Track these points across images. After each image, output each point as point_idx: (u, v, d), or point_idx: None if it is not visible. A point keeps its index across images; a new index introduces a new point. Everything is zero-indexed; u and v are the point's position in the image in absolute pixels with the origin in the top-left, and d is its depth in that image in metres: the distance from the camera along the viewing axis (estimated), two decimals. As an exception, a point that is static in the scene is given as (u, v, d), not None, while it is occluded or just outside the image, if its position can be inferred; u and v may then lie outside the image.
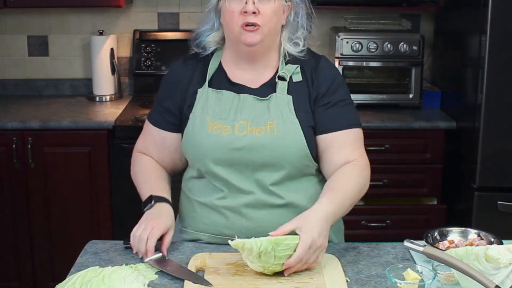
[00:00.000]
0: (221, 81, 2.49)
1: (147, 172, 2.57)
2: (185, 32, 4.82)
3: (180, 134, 2.51)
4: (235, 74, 2.49)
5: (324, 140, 2.44)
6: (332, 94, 2.46)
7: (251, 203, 2.41)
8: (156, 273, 2.19)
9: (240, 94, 2.45)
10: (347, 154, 2.43)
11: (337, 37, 4.39)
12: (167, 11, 4.88)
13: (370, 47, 4.39)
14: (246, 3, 2.33)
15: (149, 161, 2.59)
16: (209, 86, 2.48)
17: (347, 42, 4.39)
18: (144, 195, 2.48)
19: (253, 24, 2.35)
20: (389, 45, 4.39)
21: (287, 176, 2.41)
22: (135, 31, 4.84)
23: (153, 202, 2.40)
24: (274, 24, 2.41)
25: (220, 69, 2.51)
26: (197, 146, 2.42)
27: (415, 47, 4.41)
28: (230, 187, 2.42)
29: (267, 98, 2.43)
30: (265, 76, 2.48)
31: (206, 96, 2.46)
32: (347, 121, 2.46)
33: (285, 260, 2.10)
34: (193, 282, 2.09)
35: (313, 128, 2.43)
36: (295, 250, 2.11)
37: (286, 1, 2.42)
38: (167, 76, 2.62)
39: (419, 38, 4.42)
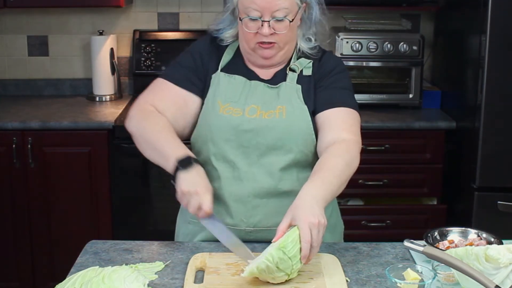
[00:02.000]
0: (237, 66, 2.52)
1: (169, 131, 2.42)
2: (185, 32, 4.83)
3: (200, 101, 2.50)
4: (250, 62, 2.53)
5: (318, 118, 2.46)
6: (330, 78, 2.51)
7: (252, 190, 2.43)
8: (156, 273, 2.19)
9: (252, 81, 2.49)
10: (337, 132, 2.40)
11: (337, 37, 4.39)
12: (167, 11, 4.89)
13: (370, 47, 4.40)
14: (262, 25, 2.36)
15: (166, 121, 2.46)
16: (224, 69, 2.51)
17: (347, 42, 4.39)
18: (168, 154, 2.33)
19: (269, 42, 2.40)
20: (389, 45, 4.39)
21: (293, 162, 2.44)
22: (135, 31, 4.85)
23: (193, 162, 2.30)
24: (290, 38, 2.45)
25: (238, 55, 2.54)
26: (208, 126, 2.44)
27: (415, 47, 4.41)
28: (235, 171, 2.43)
29: (277, 86, 2.48)
30: (277, 68, 2.53)
31: (218, 80, 2.49)
32: (341, 101, 2.47)
33: (299, 255, 2.08)
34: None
35: (313, 113, 2.47)
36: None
37: (301, 6, 2.44)
38: (196, 46, 2.60)
39: (419, 38, 4.42)
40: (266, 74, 2.52)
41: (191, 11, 4.85)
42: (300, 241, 2.07)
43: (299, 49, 2.54)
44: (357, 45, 4.39)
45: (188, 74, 2.52)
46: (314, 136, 2.45)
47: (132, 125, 2.49)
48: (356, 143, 2.41)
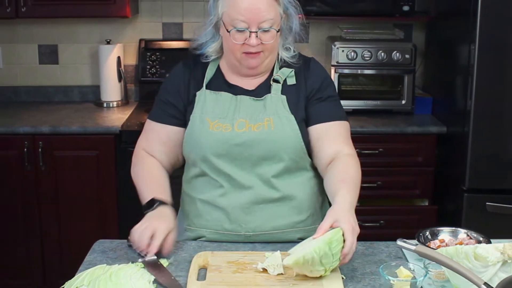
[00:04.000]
0: (219, 83, 2.51)
1: (149, 175, 2.52)
2: (188, 41, 4.82)
3: (182, 129, 2.51)
4: (232, 78, 2.52)
5: (317, 130, 2.47)
6: (324, 90, 2.52)
7: (251, 198, 2.43)
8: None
9: (237, 96, 2.48)
10: (338, 145, 2.46)
11: (333, 46, 4.39)
12: (171, 21, 4.89)
13: (365, 55, 4.40)
14: (249, 36, 2.36)
15: (152, 163, 2.55)
16: (207, 88, 2.50)
17: (343, 51, 4.39)
18: (145, 197, 2.44)
19: (255, 52, 2.40)
20: (382, 54, 4.40)
21: (285, 169, 2.44)
22: (140, 40, 4.85)
23: (156, 204, 2.37)
24: (274, 47, 2.46)
25: (218, 72, 2.54)
26: (200, 144, 2.43)
27: (407, 56, 4.41)
28: (232, 182, 2.43)
29: (262, 98, 2.47)
30: (260, 79, 2.52)
31: (204, 97, 2.48)
32: (338, 114, 2.51)
33: (339, 254, 2.09)
34: None
35: (305, 121, 2.47)
36: (343, 241, 2.10)
37: (283, 13, 2.44)
38: (170, 77, 2.61)
39: (411, 47, 4.42)
40: (249, 85, 2.51)
41: (194, 21, 4.85)
42: (342, 242, 2.09)
43: (280, 59, 2.54)
44: (352, 53, 4.39)
45: (166, 108, 2.54)
46: (303, 144, 2.45)
47: (131, 172, 2.59)
48: (357, 157, 2.49)
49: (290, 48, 2.54)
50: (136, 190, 2.52)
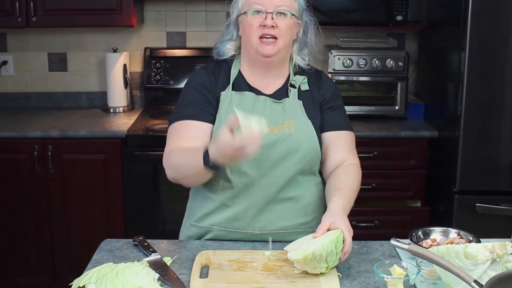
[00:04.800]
0: (241, 84, 2.53)
1: (184, 149, 2.36)
2: (191, 50, 4.84)
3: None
4: (252, 80, 2.54)
5: (329, 137, 2.52)
6: (334, 100, 2.58)
7: (261, 198, 2.44)
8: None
9: (259, 96, 2.50)
10: (344, 153, 2.52)
11: (330, 54, 4.40)
12: (175, 30, 4.89)
13: (360, 63, 4.40)
14: (265, 18, 2.39)
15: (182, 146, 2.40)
16: (233, 88, 2.51)
17: (339, 59, 4.40)
18: (199, 156, 2.21)
19: (271, 36, 2.40)
20: (377, 61, 4.40)
21: (299, 171, 2.46)
22: (145, 48, 4.85)
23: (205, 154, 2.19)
24: (289, 38, 2.47)
25: (239, 75, 2.55)
26: None
27: (400, 63, 4.41)
28: (246, 181, 2.43)
29: (281, 101, 2.50)
30: (278, 83, 2.54)
31: (229, 98, 2.48)
32: (347, 125, 2.57)
33: (341, 253, 2.11)
34: None
35: (320, 127, 2.51)
36: (343, 241, 2.13)
37: (297, 19, 2.48)
38: (194, 80, 2.54)
39: (404, 55, 4.43)
40: (268, 89, 2.53)
41: (197, 30, 4.86)
42: (343, 241, 2.12)
43: (294, 65, 2.57)
44: (348, 61, 4.39)
45: (203, 106, 2.45)
46: (319, 148, 2.48)
47: (168, 174, 2.41)
48: (359, 167, 2.54)
49: (305, 58, 2.58)
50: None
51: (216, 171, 2.27)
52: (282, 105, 2.49)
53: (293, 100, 2.50)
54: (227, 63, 2.57)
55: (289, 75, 2.56)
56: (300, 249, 2.10)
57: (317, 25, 2.58)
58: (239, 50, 2.57)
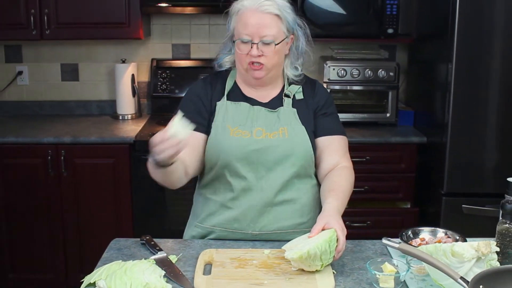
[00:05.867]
0: (237, 95, 2.53)
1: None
2: (195, 61, 4.84)
3: (205, 136, 2.48)
4: (248, 91, 2.54)
5: (323, 141, 2.51)
6: (328, 107, 2.57)
7: (260, 201, 2.43)
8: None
9: (254, 106, 2.49)
10: (338, 156, 2.51)
11: (325, 65, 4.40)
12: (180, 43, 4.90)
13: (353, 73, 4.40)
14: (252, 47, 2.38)
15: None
16: (228, 98, 2.51)
17: (334, 69, 4.40)
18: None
19: (258, 63, 2.41)
20: (369, 72, 4.40)
21: (295, 175, 2.45)
22: (152, 59, 4.85)
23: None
24: (276, 61, 2.46)
25: (235, 86, 2.55)
26: (222, 148, 2.42)
27: (391, 73, 4.42)
28: (245, 184, 2.43)
29: (276, 110, 2.49)
30: (273, 93, 2.54)
31: (225, 107, 2.48)
32: (340, 130, 2.56)
33: (335, 251, 2.11)
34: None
35: (313, 132, 2.50)
36: (337, 241, 2.12)
37: (288, 36, 2.46)
38: (192, 91, 2.57)
39: (395, 66, 4.43)
40: (263, 98, 2.52)
41: (200, 42, 4.86)
42: (337, 241, 2.11)
43: (287, 78, 2.57)
44: (342, 71, 4.39)
45: (194, 116, 2.42)
46: (312, 152, 2.47)
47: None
48: (352, 170, 2.53)
49: (298, 68, 2.57)
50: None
51: (162, 168, 2.21)
52: (277, 114, 2.48)
53: (287, 108, 2.49)
54: (225, 74, 2.58)
55: (284, 85, 2.56)
56: (296, 248, 2.10)
57: (308, 34, 2.55)
58: (235, 63, 2.56)
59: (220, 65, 2.59)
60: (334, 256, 2.12)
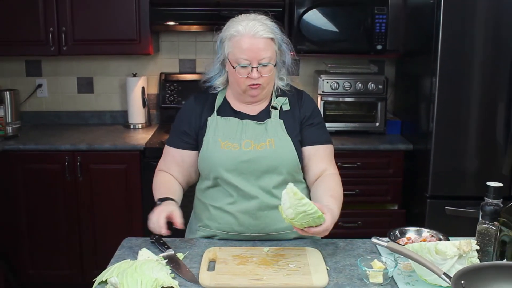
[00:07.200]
0: (227, 110, 2.52)
1: (161, 183, 2.52)
2: (200, 74, 4.79)
3: (194, 152, 2.52)
4: (237, 105, 2.53)
5: (309, 150, 2.49)
6: (315, 117, 2.54)
7: (256, 205, 2.42)
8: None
9: (243, 120, 2.48)
10: (325, 164, 2.50)
11: (319, 78, 4.40)
12: (186, 58, 4.90)
13: (345, 86, 4.40)
14: (251, 70, 2.37)
15: (166, 175, 2.56)
16: (217, 114, 2.50)
17: (327, 82, 4.40)
18: (155, 197, 2.46)
19: (257, 83, 2.40)
20: (360, 85, 4.40)
21: (283, 181, 2.42)
22: (161, 73, 4.86)
23: (158, 202, 2.38)
24: (271, 79, 2.46)
25: (225, 101, 2.54)
26: (213, 161, 2.43)
27: (380, 86, 4.42)
28: (239, 192, 2.43)
29: (264, 122, 2.47)
30: (261, 106, 2.52)
31: (215, 122, 2.48)
32: (325, 139, 2.54)
33: (311, 222, 2.10)
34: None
35: (300, 142, 2.48)
36: (315, 220, 2.10)
37: (277, 50, 2.44)
38: (182, 109, 2.60)
39: (383, 79, 4.43)
40: (252, 111, 2.51)
41: (205, 58, 4.86)
42: (316, 219, 2.10)
43: (276, 89, 2.54)
44: (335, 84, 4.40)
45: (180, 136, 2.53)
46: (298, 160, 2.45)
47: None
48: (339, 176, 2.52)
49: (283, 78, 2.55)
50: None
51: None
52: (265, 125, 2.46)
53: (274, 120, 2.47)
54: (214, 91, 2.57)
55: (271, 98, 2.54)
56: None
57: (290, 45, 2.52)
58: (226, 82, 2.54)
59: (214, 87, 2.56)
60: (308, 226, 2.11)
